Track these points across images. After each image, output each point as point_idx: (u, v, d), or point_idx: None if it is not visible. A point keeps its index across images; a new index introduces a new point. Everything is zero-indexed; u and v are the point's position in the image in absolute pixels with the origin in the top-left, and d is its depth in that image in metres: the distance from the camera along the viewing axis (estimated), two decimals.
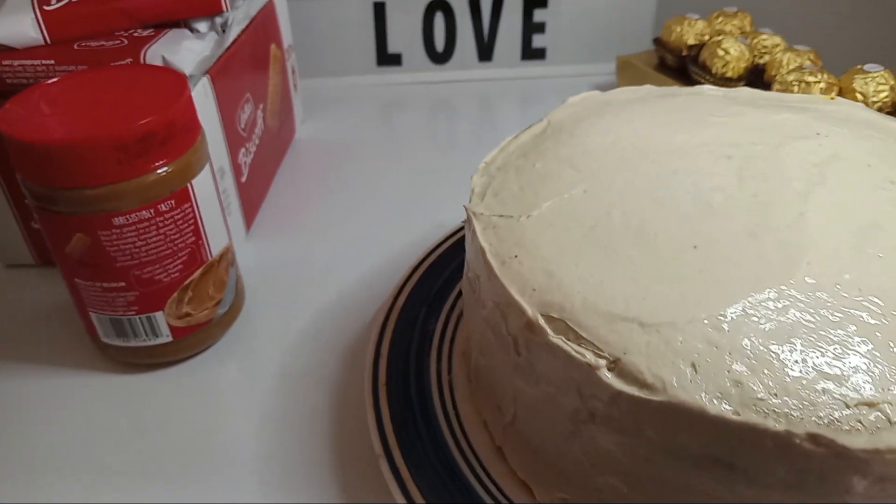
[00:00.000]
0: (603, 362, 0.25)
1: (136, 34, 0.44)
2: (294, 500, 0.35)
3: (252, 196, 0.52)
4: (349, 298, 0.47)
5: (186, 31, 0.45)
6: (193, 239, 0.39)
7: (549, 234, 0.30)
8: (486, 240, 0.30)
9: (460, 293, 0.42)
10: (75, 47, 0.43)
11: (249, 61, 0.51)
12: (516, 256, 0.29)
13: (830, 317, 0.25)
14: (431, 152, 0.63)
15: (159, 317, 0.40)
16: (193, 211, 0.38)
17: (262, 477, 0.36)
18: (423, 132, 0.67)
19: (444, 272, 0.43)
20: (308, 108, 0.67)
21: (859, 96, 0.50)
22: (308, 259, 0.51)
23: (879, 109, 0.50)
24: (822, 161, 0.32)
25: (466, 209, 0.32)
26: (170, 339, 0.41)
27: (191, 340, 0.42)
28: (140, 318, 0.39)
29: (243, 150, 0.50)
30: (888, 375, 0.24)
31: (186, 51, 0.43)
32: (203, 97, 0.43)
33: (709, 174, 0.31)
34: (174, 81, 0.38)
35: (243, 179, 0.50)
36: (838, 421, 0.23)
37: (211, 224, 0.40)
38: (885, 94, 0.50)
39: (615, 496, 0.28)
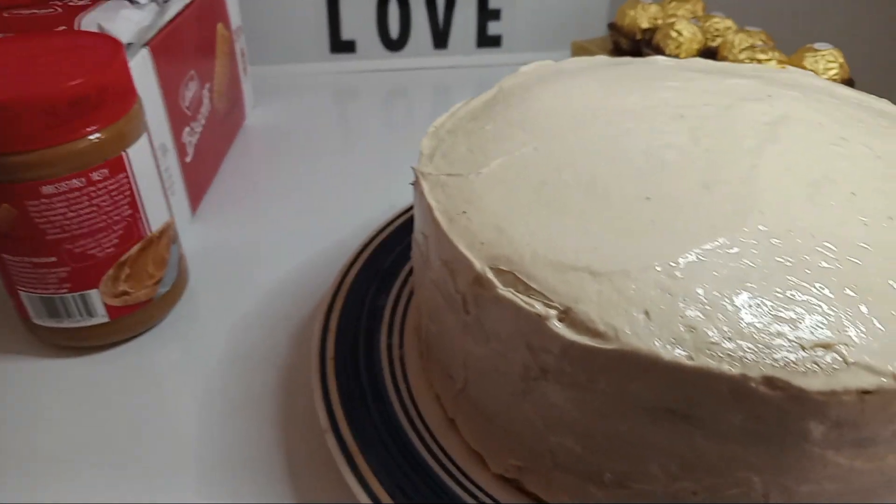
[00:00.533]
0: (553, 312, 0.24)
1: (70, 3, 0.42)
2: (237, 483, 0.33)
3: (198, 178, 0.51)
4: (298, 280, 0.45)
5: (125, 1, 0.43)
6: (130, 212, 0.37)
7: (498, 190, 0.29)
8: (433, 197, 0.29)
9: (412, 270, 0.41)
10: (5, 15, 0.41)
11: (194, 38, 0.49)
12: (465, 212, 0.28)
13: (785, 262, 0.25)
14: (385, 141, 0.62)
15: (94, 295, 0.38)
16: (129, 182, 0.36)
17: (202, 460, 0.34)
18: (377, 120, 0.66)
19: (395, 249, 0.42)
20: (260, 94, 0.65)
21: None
22: (256, 242, 0.49)
23: None
24: (773, 120, 0.32)
25: (414, 170, 0.31)
26: (106, 319, 0.39)
27: (129, 321, 0.40)
28: (73, 296, 0.37)
29: (188, 129, 0.48)
30: (844, 318, 0.23)
31: (124, 20, 0.41)
32: (142, 69, 0.42)
33: (661, 133, 0.31)
34: (108, 46, 0.36)
35: (188, 159, 0.48)
36: (794, 363, 0.22)
37: (149, 197, 0.38)
38: (834, 71, 0.50)
39: (569, 458, 0.27)
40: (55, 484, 0.33)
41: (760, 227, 0.26)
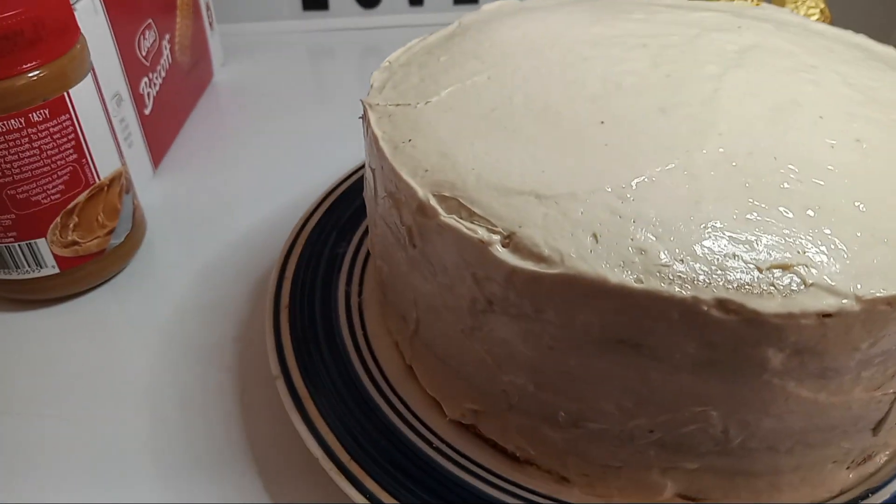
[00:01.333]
0: (497, 238, 0.23)
1: None
2: (191, 434, 0.32)
3: (159, 131, 0.49)
4: (261, 233, 0.44)
5: None
6: (75, 156, 0.35)
7: (447, 118, 0.27)
8: (379, 128, 0.28)
9: None
10: None
11: None
12: (410, 140, 0.26)
13: (744, 183, 0.23)
14: (359, 100, 0.60)
15: (42, 244, 0.36)
16: (73, 125, 0.35)
17: (155, 411, 0.33)
18: (350, 79, 0.64)
19: (357, 199, 0.41)
20: (230, 52, 0.63)
21: None
22: (220, 196, 0.47)
23: None
24: (741, 49, 0.30)
25: (362, 102, 0.30)
26: (56, 270, 0.37)
27: (81, 273, 0.38)
28: (20, 245, 0.36)
29: (146, 79, 0.46)
30: (804, 239, 0.22)
31: None
32: (91, 12, 0.40)
33: (621, 60, 0.29)
34: None
35: (147, 111, 0.47)
36: (749, 285, 0.21)
37: (97, 143, 0.36)
38: (815, 16, 0.48)
39: (522, 398, 0.26)
40: (5, 438, 0.32)
41: (720, 149, 0.24)
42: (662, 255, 0.21)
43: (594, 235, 0.22)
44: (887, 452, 0.28)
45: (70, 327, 0.38)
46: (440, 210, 0.24)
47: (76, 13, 0.38)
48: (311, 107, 0.58)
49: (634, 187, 0.23)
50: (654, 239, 0.22)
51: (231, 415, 0.33)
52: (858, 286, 0.20)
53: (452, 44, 0.33)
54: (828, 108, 0.26)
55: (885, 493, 0.27)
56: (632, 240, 0.22)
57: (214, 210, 0.46)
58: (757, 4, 0.40)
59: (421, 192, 0.24)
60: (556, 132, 0.25)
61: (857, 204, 0.23)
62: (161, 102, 0.49)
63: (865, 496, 0.27)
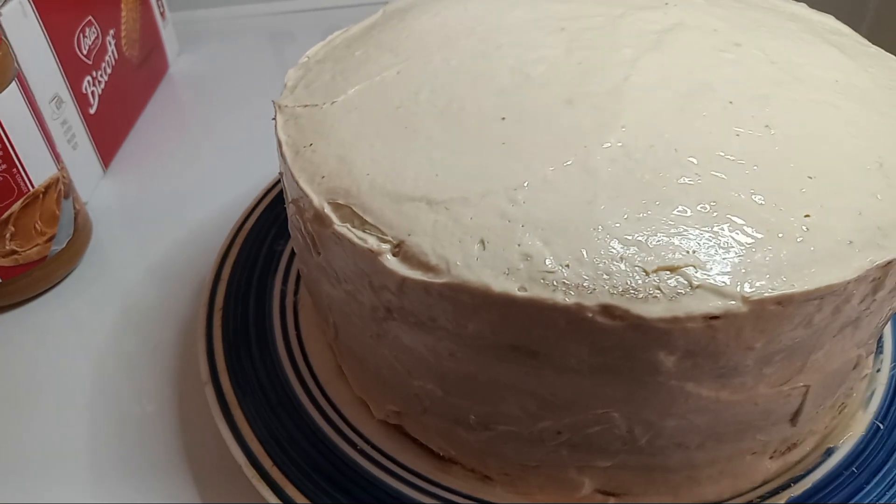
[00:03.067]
0: (387, 247, 0.22)
1: None
2: (127, 444, 0.32)
3: (108, 130, 0.48)
4: (212, 227, 0.43)
5: None
6: (4, 167, 0.35)
7: (350, 118, 0.26)
8: (284, 132, 0.27)
9: None
10: None
11: None
12: (311, 145, 0.26)
13: (641, 179, 0.22)
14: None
15: None
16: None
17: (94, 420, 0.33)
18: None
19: None
20: (186, 41, 0.62)
21: None
22: (172, 192, 0.47)
23: None
24: (663, 29, 0.29)
25: (274, 103, 0.29)
26: None
27: (24, 281, 0.38)
28: None
29: (88, 78, 0.46)
30: (696, 237, 0.21)
31: None
32: (20, 15, 0.39)
33: (535, 47, 0.28)
34: None
35: (92, 111, 0.46)
36: (634, 289, 0.20)
37: (28, 151, 0.36)
38: None
39: (433, 402, 0.26)
40: None
41: (619, 143, 0.23)
42: (548, 261, 0.21)
43: (482, 242, 0.21)
44: (814, 439, 0.28)
45: (15, 336, 0.38)
46: (334, 218, 0.23)
47: (2, 18, 0.37)
48: (273, 93, 0.57)
49: (527, 188, 0.22)
50: (541, 244, 0.21)
51: (167, 420, 0.33)
52: (747, 286, 0.20)
53: (370, 36, 0.32)
54: (741, 92, 0.25)
55: (807, 482, 0.26)
56: (519, 245, 0.21)
57: (167, 207, 0.46)
58: None
59: (316, 200, 0.24)
60: (457, 130, 0.25)
61: (755, 197, 0.22)
62: (108, 100, 0.48)
63: (787, 486, 0.26)
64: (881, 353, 0.31)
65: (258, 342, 0.32)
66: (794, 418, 0.25)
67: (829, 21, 0.32)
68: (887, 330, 0.31)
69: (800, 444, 0.27)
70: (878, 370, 0.30)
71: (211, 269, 0.36)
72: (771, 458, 0.27)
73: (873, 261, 0.21)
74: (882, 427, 0.28)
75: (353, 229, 0.23)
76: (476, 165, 0.23)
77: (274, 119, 0.29)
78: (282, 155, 0.26)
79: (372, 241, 0.22)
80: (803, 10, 0.33)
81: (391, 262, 0.22)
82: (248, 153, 0.49)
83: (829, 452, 0.27)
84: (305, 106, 0.28)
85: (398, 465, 0.28)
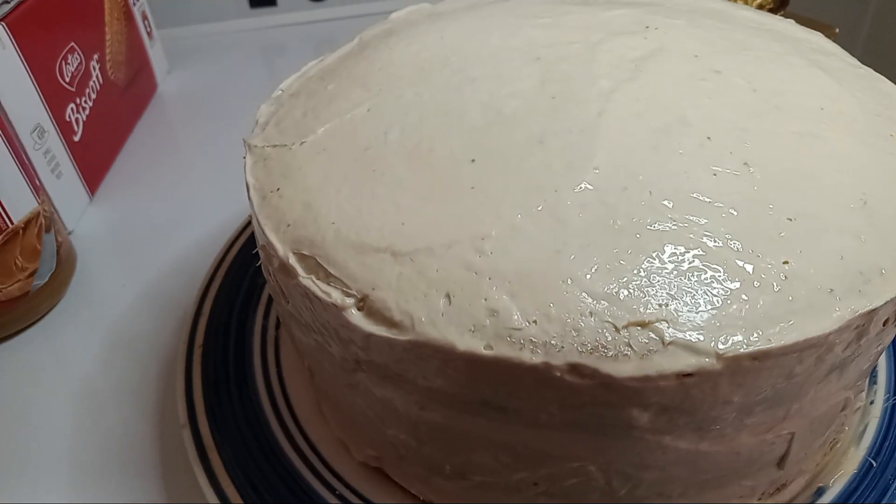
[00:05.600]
0: (351, 301, 0.21)
1: None
2: (108, 483, 0.32)
3: (94, 157, 0.48)
4: (201, 253, 0.43)
5: None
6: None
7: (318, 161, 0.26)
8: (252, 174, 0.26)
9: None
10: None
11: (71, 6, 0.46)
12: (278, 190, 0.25)
13: (613, 226, 0.22)
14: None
15: None
16: None
17: (75, 460, 0.33)
18: None
19: None
20: (175, 59, 0.61)
21: None
22: (161, 218, 0.47)
23: (760, 7, 0.46)
24: (641, 56, 0.28)
25: (244, 142, 0.28)
26: None
27: (8, 318, 0.38)
28: None
29: (72, 105, 0.45)
30: (667, 289, 0.20)
31: None
32: None
33: (509, 80, 0.27)
34: None
35: (77, 138, 0.46)
36: (604, 347, 0.19)
37: (6, 187, 0.36)
38: None
39: (409, 450, 0.25)
40: None
41: (592, 186, 0.23)
42: (515, 317, 0.20)
43: (448, 296, 0.21)
44: (804, 479, 0.27)
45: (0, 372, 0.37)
46: (299, 270, 0.23)
47: None
48: None
49: (494, 237, 0.22)
50: (507, 298, 0.20)
51: (148, 460, 0.32)
52: (721, 342, 0.19)
53: (344, 67, 0.31)
54: (719, 125, 0.25)
55: None
56: (485, 300, 0.20)
57: (155, 233, 0.45)
58: None
59: (282, 250, 0.23)
60: (425, 174, 0.24)
61: (731, 243, 0.21)
62: (93, 126, 0.48)
63: None
64: (875, 383, 0.30)
65: (238, 381, 0.32)
66: (780, 462, 0.24)
67: (817, 39, 0.31)
68: (881, 360, 0.30)
69: (790, 483, 0.26)
70: (872, 402, 0.29)
71: (193, 303, 0.35)
72: (759, 499, 0.26)
73: (855, 310, 0.20)
74: (875, 464, 0.27)
75: (318, 282, 0.22)
76: (443, 213, 0.22)
77: (244, 158, 0.28)
78: (249, 199, 0.26)
79: (336, 296, 0.22)
80: (790, 27, 0.32)
81: (355, 317, 0.21)
82: (240, 173, 0.49)
83: (821, 492, 0.27)
84: (275, 146, 0.27)
85: None
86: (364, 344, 0.22)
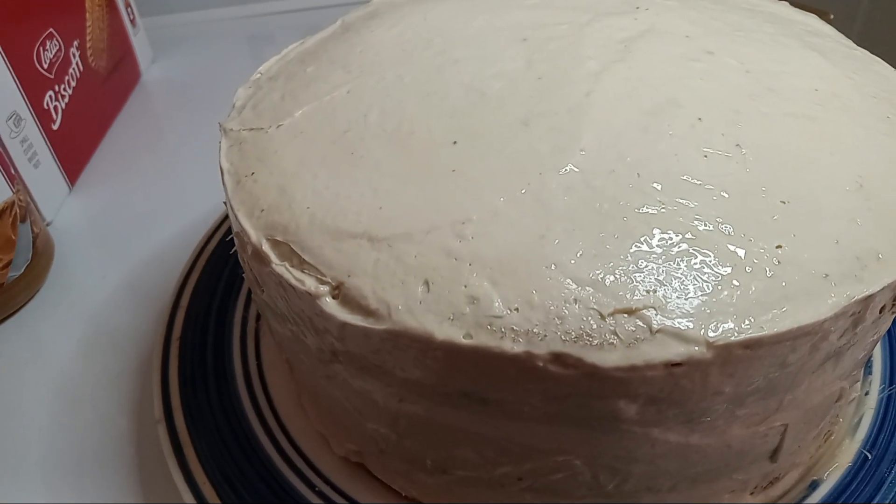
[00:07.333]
0: (325, 289, 0.21)
1: None
2: (83, 480, 0.31)
3: (73, 146, 0.47)
4: (178, 248, 0.42)
5: None
6: None
7: (295, 144, 0.25)
8: (227, 159, 0.25)
9: None
10: None
11: None
12: (253, 174, 0.24)
13: (600, 210, 0.21)
14: None
15: None
16: None
17: (50, 456, 0.32)
18: None
19: None
20: (160, 48, 0.60)
21: None
22: (142, 207, 0.45)
23: None
24: (631, 36, 0.27)
25: (220, 126, 0.27)
26: None
27: None
28: None
29: (51, 93, 0.44)
30: (655, 275, 0.19)
31: None
32: None
33: (494, 60, 0.26)
34: None
35: (55, 126, 0.45)
36: (588, 335, 0.18)
37: None
38: None
39: (388, 443, 0.24)
40: None
41: (578, 169, 0.22)
42: (496, 304, 0.19)
43: (426, 283, 0.20)
44: (797, 472, 0.26)
45: None
46: (273, 257, 0.22)
47: None
48: None
49: (476, 222, 0.21)
50: (488, 285, 0.19)
51: (124, 454, 0.31)
52: (711, 329, 0.18)
53: (325, 50, 0.30)
54: (711, 106, 0.24)
55: None
56: (465, 286, 0.19)
57: (136, 223, 0.44)
58: None
59: (254, 237, 0.22)
60: (405, 157, 0.23)
61: (723, 227, 0.20)
62: (73, 115, 0.46)
63: None
64: (870, 373, 0.29)
65: (216, 374, 0.31)
66: (773, 455, 0.23)
67: (811, 21, 0.30)
68: (877, 349, 0.29)
69: (783, 477, 0.26)
70: (867, 393, 0.28)
71: (170, 296, 0.34)
72: (752, 493, 0.25)
73: (851, 296, 0.19)
74: (870, 457, 0.26)
75: (292, 269, 0.21)
76: (423, 197, 0.22)
77: (219, 143, 0.27)
78: (224, 184, 0.25)
79: (310, 283, 0.21)
80: (784, 9, 0.31)
81: (330, 305, 0.20)
82: None
83: (815, 486, 0.26)
84: (251, 129, 0.26)
85: None
86: (340, 334, 0.21)
